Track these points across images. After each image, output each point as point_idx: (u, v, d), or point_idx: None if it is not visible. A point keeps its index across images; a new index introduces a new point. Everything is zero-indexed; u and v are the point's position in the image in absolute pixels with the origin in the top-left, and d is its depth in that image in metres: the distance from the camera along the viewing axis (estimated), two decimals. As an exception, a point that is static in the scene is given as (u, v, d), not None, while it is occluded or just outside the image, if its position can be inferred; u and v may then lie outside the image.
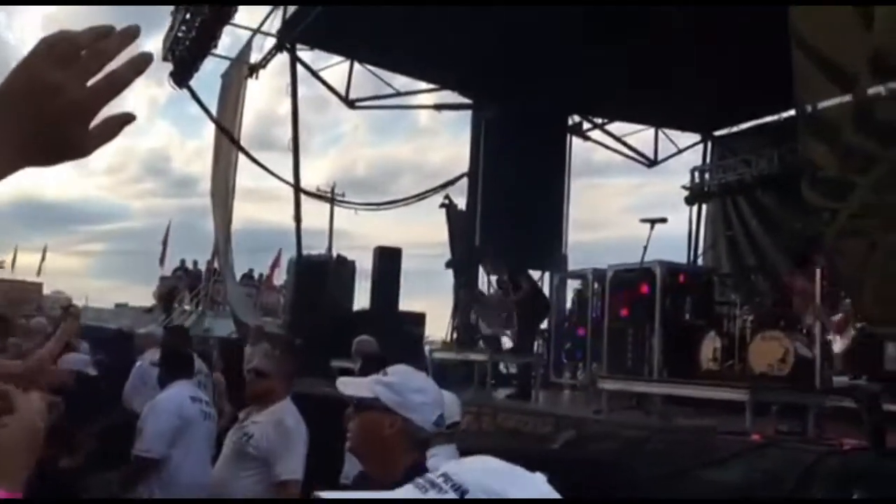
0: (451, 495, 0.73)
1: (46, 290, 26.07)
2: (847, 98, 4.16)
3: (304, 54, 12.56)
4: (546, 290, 13.20)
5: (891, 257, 4.25)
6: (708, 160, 14.95)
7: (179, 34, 11.03)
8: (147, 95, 73.41)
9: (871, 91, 4.07)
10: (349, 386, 2.11)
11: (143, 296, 25.52)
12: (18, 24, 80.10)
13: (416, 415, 2.01)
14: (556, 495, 0.79)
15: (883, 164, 4.03)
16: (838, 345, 5.92)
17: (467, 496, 0.73)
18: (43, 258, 29.49)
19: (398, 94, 14.09)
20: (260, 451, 3.34)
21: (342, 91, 13.53)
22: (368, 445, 2.07)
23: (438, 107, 14.76)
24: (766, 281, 11.17)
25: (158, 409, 4.04)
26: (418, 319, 13.02)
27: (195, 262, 23.80)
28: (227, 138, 13.22)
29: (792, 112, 12.51)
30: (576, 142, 14.82)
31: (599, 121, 15.05)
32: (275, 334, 12.83)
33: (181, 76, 11.70)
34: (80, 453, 4.60)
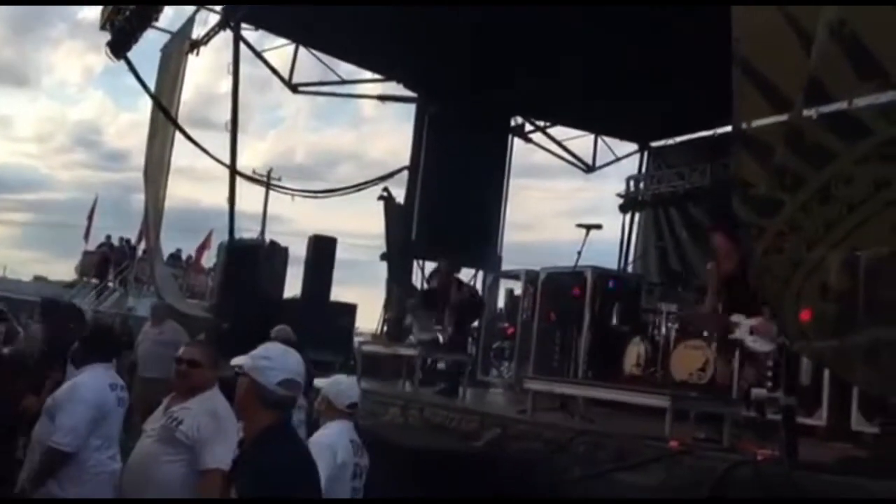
0: None
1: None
2: (782, 118, 4.29)
3: (249, 34, 12.33)
4: (479, 289, 13.28)
5: (811, 274, 4.40)
6: (643, 170, 15.26)
7: (120, 4, 10.69)
8: (82, 63, 71.03)
9: (805, 113, 4.21)
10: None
11: (65, 270, 24.70)
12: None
13: (261, 377, 2.43)
14: None
15: (811, 184, 4.17)
16: (760, 344, 6.11)
17: None
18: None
19: (342, 81, 13.96)
20: (189, 438, 3.26)
21: (286, 74, 13.34)
22: (237, 407, 2.58)
23: (382, 97, 14.67)
24: (692, 291, 11.46)
25: (77, 399, 3.86)
26: (349, 310, 12.94)
27: (121, 239, 23.18)
28: (164, 114, 12.86)
29: (726, 128, 12.92)
30: (516, 143, 14.93)
31: (541, 123, 15.20)
32: (196, 317, 12.57)
33: (119, 47, 11.31)
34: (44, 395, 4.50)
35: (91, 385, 3.95)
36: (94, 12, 12.39)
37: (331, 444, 3.42)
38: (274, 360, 2.49)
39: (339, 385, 3.74)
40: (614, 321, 9.94)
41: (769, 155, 4.34)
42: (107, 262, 21.95)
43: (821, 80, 4.07)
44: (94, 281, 21.88)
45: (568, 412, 6.58)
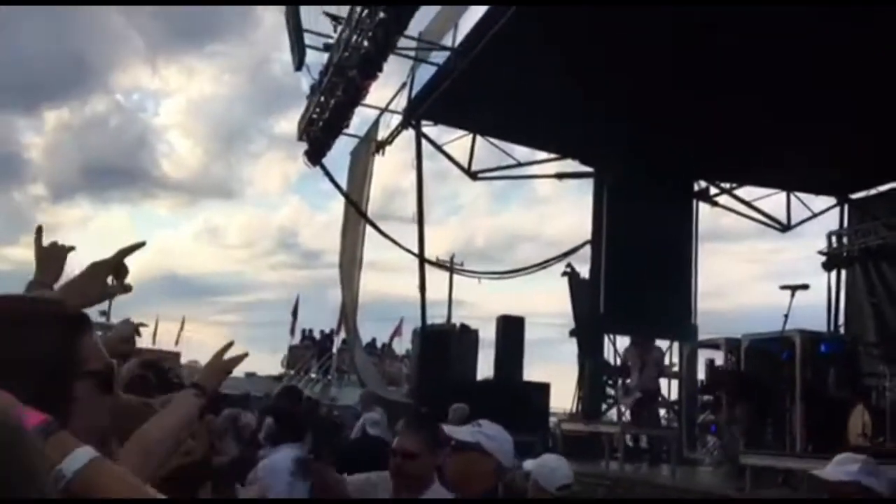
0: None
1: (183, 360, 27.40)
2: None
3: (429, 129, 13.01)
4: (675, 360, 12.83)
5: None
6: (845, 224, 14.27)
7: (314, 115, 11.68)
8: (281, 172, 77.57)
9: None
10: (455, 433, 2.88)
11: (272, 364, 26.42)
12: (164, 110, 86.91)
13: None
14: None
15: None
16: None
17: None
18: (181, 328, 31.08)
19: (519, 164, 14.29)
20: None
21: (465, 163, 13.87)
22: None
23: (560, 175, 14.83)
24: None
25: (276, 469, 4.22)
26: (543, 389, 12.89)
27: (321, 332, 24.58)
28: (356, 211, 13.75)
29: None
30: (703, 207, 14.49)
31: (727, 185, 14.71)
32: (392, 400, 13.00)
33: (315, 155, 12.34)
34: None
35: (283, 460, 4.30)
36: (290, 126, 13.61)
37: None
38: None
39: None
40: (830, 388, 9.21)
41: None
42: (310, 354, 23.31)
43: None
44: (302, 373, 23.22)
45: (791, 487, 6.14)
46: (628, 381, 11.53)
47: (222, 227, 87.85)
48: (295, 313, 26.59)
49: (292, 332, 25.97)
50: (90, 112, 79.75)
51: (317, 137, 12.02)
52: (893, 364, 9.45)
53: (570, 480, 3.45)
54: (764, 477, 6.38)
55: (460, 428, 2.78)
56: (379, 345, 24.87)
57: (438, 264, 17.89)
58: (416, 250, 13.11)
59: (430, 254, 16.15)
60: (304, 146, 12.65)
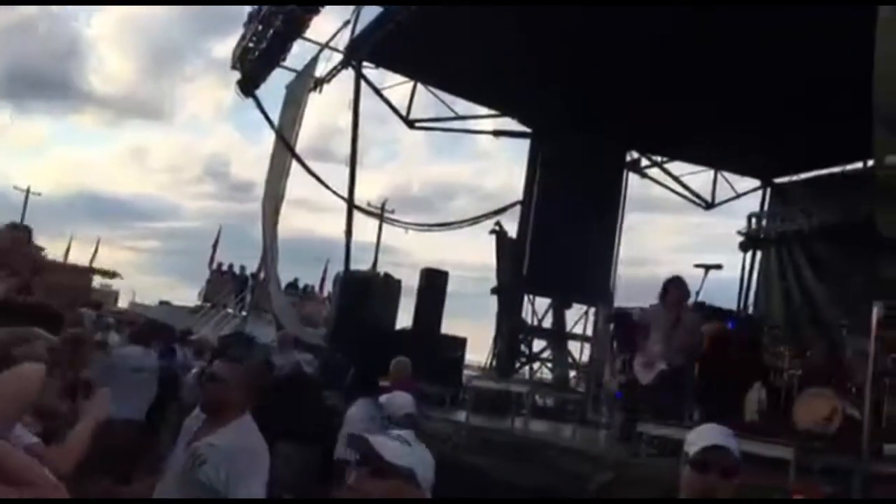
0: None
1: (96, 283, 26.69)
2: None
3: (369, 72, 12.75)
4: (591, 326, 13.11)
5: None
6: (766, 207, 14.71)
7: (250, 44, 11.30)
8: (213, 98, 75.23)
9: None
10: (388, 452, 2.00)
11: (189, 296, 26.00)
12: (97, 21, 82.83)
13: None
14: None
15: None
16: None
17: None
18: (96, 250, 30.24)
19: (458, 117, 14.19)
20: (213, 482, 2.80)
21: (403, 110, 13.68)
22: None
23: (497, 133, 14.80)
24: (818, 335, 10.91)
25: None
26: (460, 343, 13.00)
27: (242, 267, 24.22)
28: (286, 148, 13.44)
29: (856, 165, 12.35)
30: (632, 178, 14.72)
31: (658, 159, 14.94)
32: (315, 346, 12.94)
33: (248, 85, 11.96)
34: None
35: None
36: (227, 49, 13.15)
37: None
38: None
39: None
40: (733, 365, 9.55)
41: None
42: (228, 289, 22.96)
43: None
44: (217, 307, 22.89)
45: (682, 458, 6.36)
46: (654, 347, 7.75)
47: (148, 148, 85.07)
48: (215, 245, 26.14)
49: (210, 264, 25.54)
50: (18, 15, 75.54)
51: (251, 67, 11.64)
52: (793, 346, 9.87)
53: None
54: (658, 445, 6.59)
55: (390, 445, 2.01)
56: (301, 285, 24.67)
57: (368, 211, 17.75)
58: (346, 193, 12.95)
59: (362, 197, 16.02)
60: (237, 75, 12.25)
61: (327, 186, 12.88)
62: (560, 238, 12.73)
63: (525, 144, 14.19)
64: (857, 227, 9.12)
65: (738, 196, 15.30)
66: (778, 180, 14.68)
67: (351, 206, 12.78)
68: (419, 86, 13.41)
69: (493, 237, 13.77)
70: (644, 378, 7.69)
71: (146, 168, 79.44)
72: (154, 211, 79.50)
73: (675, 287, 7.69)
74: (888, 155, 4.36)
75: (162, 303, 25.31)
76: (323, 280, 23.92)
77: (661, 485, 5.41)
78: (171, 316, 19.31)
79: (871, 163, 8.21)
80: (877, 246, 4.62)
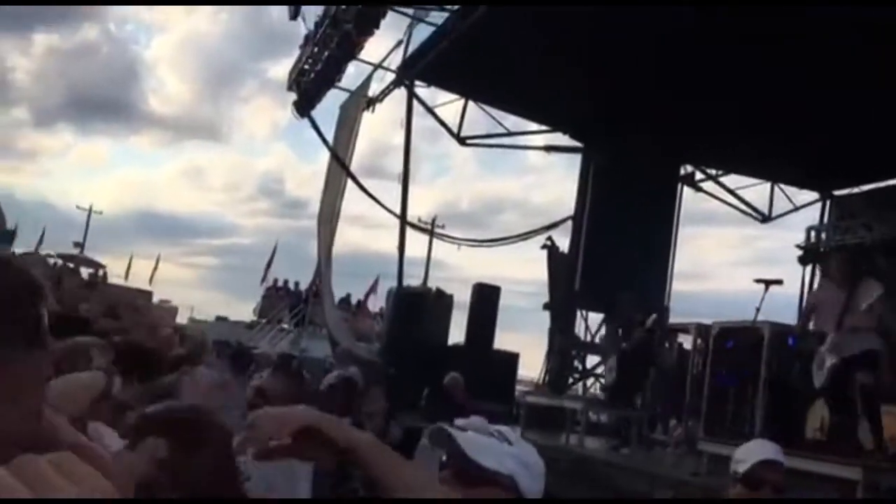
0: None
1: (155, 299, 27.30)
2: None
3: (421, 90, 12.90)
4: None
5: None
6: (825, 220, 14.38)
7: (306, 66, 11.53)
8: (269, 118, 76.75)
9: None
10: (480, 452, 1.58)
11: (245, 312, 26.39)
12: (156, 43, 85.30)
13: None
14: None
15: None
16: None
17: None
18: (156, 267, 30.91)
19: (509, 133, 14.23)
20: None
21: (455, 127, 13.78)
22: None
23: (548, 148, 14.81)
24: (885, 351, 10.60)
25: None
26: (512, 359, 12.99)
27: (296, 283, 24.56)
28: (340, 166, 13.65)
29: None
30: (686, 192, 14.57)
31: (713, 172, 14.76)
32: (365, 359, 13.06)
33: (304, 106, 12.20)
34: None
35: None
36: (283, 71, 13.44)
37: None
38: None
39: None
40: (794, 381, 9.35)
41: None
42: (283, 304, 23.31)
43: None
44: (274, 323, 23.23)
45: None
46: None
47: (205, 167, 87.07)
48: (270, 262, 26.53)
49: (263, 279, 25.94)
50: (81, 39, 78.19)
51: (307, 89, 11.87)
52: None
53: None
54: (720, 464, 6.49)
55: (482, 442, 1.60)
56: (353, 300, 24.89)
57: (419, 227, 17.89)
58: (398, 210, 13.09)
59: (413, 213, 16.16)
60: (293, 96, 12.50)
61: (380, 203, 13.06)
62: (613, 253, 12.64)
63: (576, 159, 14.17)
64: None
65: (797, 209, 15.02)
66: (837, 192, 14.35)
67: (403, 222, 12.91)
68: (470, 103, 13.51)
69: (545, 252, 13.76)
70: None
71: (203, 187, 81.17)
72: (211, 228, 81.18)
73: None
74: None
75: (219, 318, 25.77)
76: (369, 294, 24.08)
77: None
78: (229, 331, 19.68)
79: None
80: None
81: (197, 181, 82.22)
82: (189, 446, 0.98)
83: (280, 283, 25.12)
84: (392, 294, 13.84)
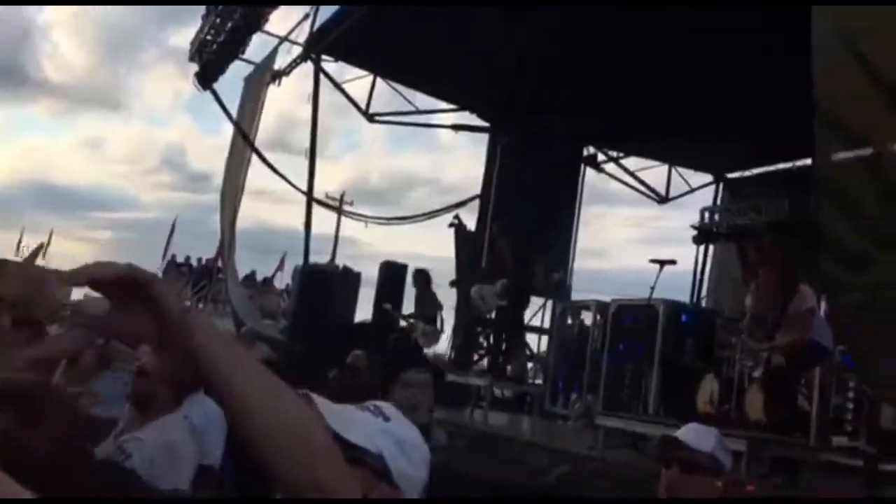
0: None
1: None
2: (870, 170, 4.21)
3: (329, 65, 12.70)
4: (548, 318, 13.26)
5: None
6: (719, 202, 15.03)
7: (208, 37, 11.17)
8: (172, 87, 74.01)
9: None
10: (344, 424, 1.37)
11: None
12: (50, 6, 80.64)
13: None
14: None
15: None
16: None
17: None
18: (48, 241, 29.49)
19: (418, 111, 14.21)
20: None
21: (363, 104, 13.65)
22: None
23: (456, 127, 14.87)
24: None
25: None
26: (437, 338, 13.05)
27: (199, 259, 23.92)
28: (244, 140, 13.33)
29: (805, 161, 12.68)
30: (589, 172, 14.93)
31: (614, 154, 15.16)
32: (273, 339, 12.89)
33: (206, 78, 11.83)
34: None
35: None
36: (185, 39, 12.98)
37: None
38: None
39: None
40: (686, 357, 9.78)
41: (858, 207, 4.27)
42: (185, 281, 22.65)
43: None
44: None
45: (639, 451, 6.53)
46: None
47: (104, 138, 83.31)
48: (170, 237, 25.75)
49: (164, 256, 25.18)
50: (-40, -3, 72.89)
51: (209, 60, 11.51)
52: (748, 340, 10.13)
53: None
54: (616, 437, 6.76)
55: (350, 415, 1.42)
56: (259, 277, 24.47)
57: (326, 204, 17.70)
58: (305, 185, 12.91)
59: (321, 189, 15.96)
60: (196, 67, 12.10)
61: (285, 178, 12.85)
62: (518, 231, 12.86)
63: (484, 138, 14.30)
64: (804, 224, 9.40)
65: (692, 190, 15.61)
66: (730, 175, 15.00)
67: (310, 198, 12.75)
68: (379, 79, 13.41)
69: (452, 230, 13.86)
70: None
71: (102, 158, 77.82)
72: (109, 201, 78.00)
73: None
74: (828, 152, 4.51)
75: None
76: (277, 271, 23.73)
77: (617, 477, 5.58)
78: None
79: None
80: (821, 244, 4.79)
81: (95, 152, 78.74)
82: (28, 420, 0.94)
83: (181, 260, 24.43)
84: (298, 271, 13.68)
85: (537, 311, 14.19)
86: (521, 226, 12.63)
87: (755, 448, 5.53)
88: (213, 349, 1.00)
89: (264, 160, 12.90)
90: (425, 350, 9.33)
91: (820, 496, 5.04)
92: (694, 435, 2.64)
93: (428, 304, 11.32)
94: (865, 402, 5.48)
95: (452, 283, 14.00)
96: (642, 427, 6.77)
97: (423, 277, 11.49)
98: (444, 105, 14.32)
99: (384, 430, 1.41)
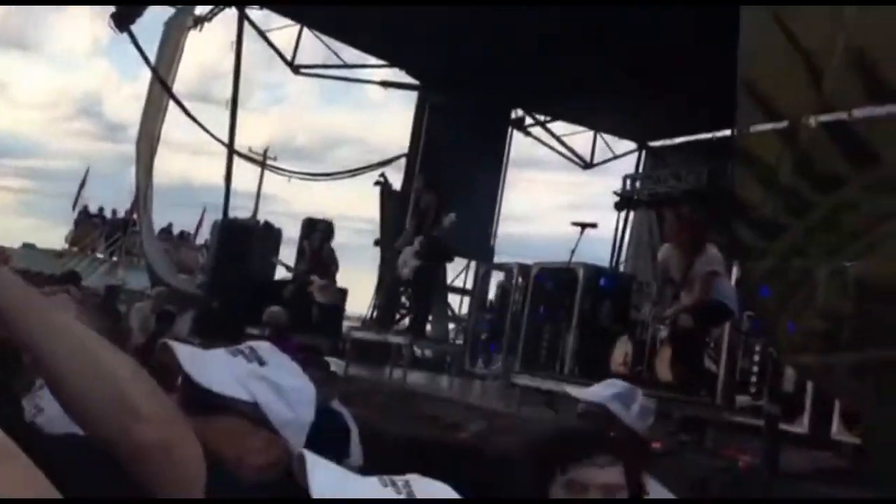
0: (404, 495, 0.84)
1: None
2: (787, 138, 4.30)
3: (254, 12, 12.28)
4: (471, 280, 13.33)
5: (807, 294, 4.43)
6: (641, 169, 15.29)
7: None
8: (89, 30, 70.60)
9: (813, 135, 4.20)
10: (211, 372, 1.33)
11: (56, 240, 24.55)
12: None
13: None
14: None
15: (818, 210, 4.19)
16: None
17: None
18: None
19: (346, 65, 13.92)
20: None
21: (289, 55, 13.29)
22: None
23: (385, 83, 14.66)
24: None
25: None
26: (340, 294, 12.95)
27: (114, 211, 23.13)
28: (163, 87, 12.82)
29: (725, 132, 13.00)
30: (517, 136, 14.97)
31: (541, 117, 15.21)
32: (189, 294, 12.59)
33: (123, 19, 11.26)
34: None
35: None
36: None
37: None
38: None
39: None
40: (603, 319, 9.99)
41: (773, 176, 4.36)
42: (98, 233, 21.93)
43: (830, 102, 4.09)
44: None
45: (553, 409, 6.64)
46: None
47: (14, 82, 79.06)
48: (81, 187, 24.76)
49: (75, 205, 24.23)
50: None
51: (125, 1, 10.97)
52: (658, 303, 10.42)
53: None
54: (531, 396, 6.86)
55: (218, 361, 1.34)
56: (176, 231, 23.83)
57: (249, 157, 17.25)
58: (227, 138, 12.53)
59: (243, 143, 15.54)
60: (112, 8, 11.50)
61: (205, 128, 12.44)
62: (443, 192, 12.81)
63: (413, 97, 14.14)
64: (721, 193, 9.65)
65: (616, 157, 15.84)
66: (653, 143, 15.27)
67: (230, 150, 12.39)
68: (306, 30, 13.05)
69: (378, 189, 13.72)
70: None
71: (10, 102, 73.91)
72: (18, 148, 74.38)
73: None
74: (748, 123, 4.59)
75: (25, 245, 23.81)
76: (199, 227, 23.15)
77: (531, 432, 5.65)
78: (36, 260, 18.28)
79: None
80: (736, 212, 4.91)
81: (4, 96, 74.71)
82: None
83: (95, 210, 23.55)
84: (217, 226, 13.34)
85: (460, 273, 14.26)
86: (446, 186, 12.60)
87: (663, 407, 5.67)
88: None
89: (182, 108, 12.47)
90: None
91: (721, 453, 5.22)
92: (595, 389, 2.70)
93: (326, 258, 11.17)
94: (770, 364, 5.67)
95: (376, 242, 13.91)
96: (556, 386, 6.88)
97: (321, 231, 11.30)
98: (373, 60, 14.06)
99: (259, 376, 1.34)
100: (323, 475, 0.82)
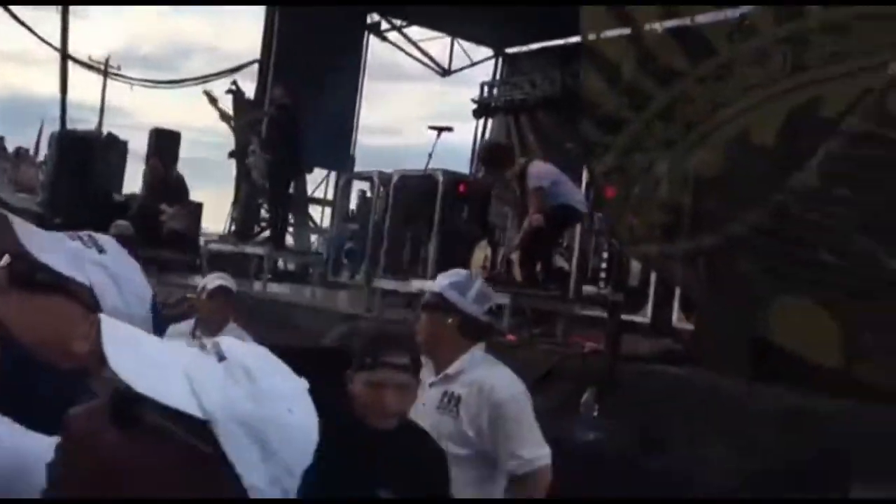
0: (213, 358, 0.80)
1: None
2: (629, 34, 4.43)
3: None
4: (331, 190, 13.21)
5: (646, 187, 4.68)
6: (498, 76, 15.41)
7: None
8: None
9: (652, 29, 4.35)
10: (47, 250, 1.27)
11: None
12: None
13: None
14: (307, 400, 0.83)
15: (657, 103, 4.38)
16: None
17: (223, 361, 0.79)
18: None
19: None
20: None
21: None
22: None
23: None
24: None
25: None
26: (194, 209, 12.51)
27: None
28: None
29: (577, 38, 13.26)
30: (374, 43, 14.64)
31: (398, 22, 14.92)
32: (27, 212, 11.77)
33: None
34: None
35: None
36: None
37: None
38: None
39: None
40: (462, 224, 10.18)
41: (616, 72, 4.51)
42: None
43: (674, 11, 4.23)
44: None
45: (413, 309, 6.78)
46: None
47: None
48: None
49: None
50: None
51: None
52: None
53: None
54: (392, 298, 6.97)
55: (58, 242, 1.30)
56: (11, 148, 22.03)
57: (87, 64, 16.02)
58: (59, 44, 11.56)
59: (83, 51, 14.41)
60: None
61: (35, 33, 11.45)
62: (299, 100, 12.45)
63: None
64: (573, 97, 9.91)
65: (473, 64, 15.84)
66: (510, 50, 15.36)
67: (64, 55, 11.47)
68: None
69: (230, 98, 13.14)
70: None
71: None
72: None
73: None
74: (595, 28, 4.71)
75: None
76: (38, 142, 21.48)
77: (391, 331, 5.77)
78: None
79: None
80: (585, 113, 5.07)
81: None
82: None
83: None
84: (54, 139, 12.44)
85: (320, 183, 14.07)
86: (300, 92, 12.24)
87: (515, 301, 5.93)
88: None
89: (7, 8, 11.34)
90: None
91: (570, 342, 5.53)
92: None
93: (175, 184, 10.74)
94: (616, 257, 6.00)
95: (231, 154, 13.41)
96: (416, 286, 7.03)
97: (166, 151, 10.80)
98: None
99: (95, 262, 1.30)
100: (118, 337, 0.79)
